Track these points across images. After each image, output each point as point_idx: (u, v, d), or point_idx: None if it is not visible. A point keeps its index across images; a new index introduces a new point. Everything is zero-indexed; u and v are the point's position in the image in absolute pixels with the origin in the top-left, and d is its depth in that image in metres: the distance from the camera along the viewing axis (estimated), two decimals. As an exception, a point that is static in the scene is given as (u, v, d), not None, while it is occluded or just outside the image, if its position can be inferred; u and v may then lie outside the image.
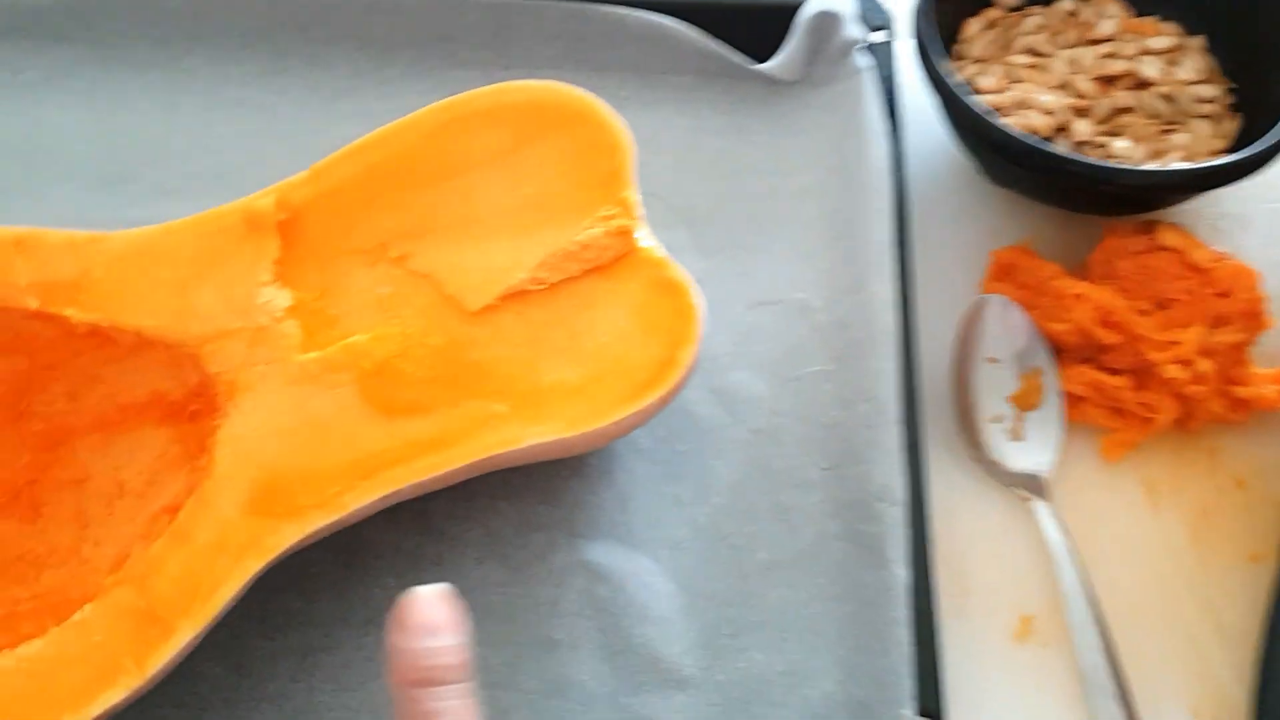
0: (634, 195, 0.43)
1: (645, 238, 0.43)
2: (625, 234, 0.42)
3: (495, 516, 0.45)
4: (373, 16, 0.55)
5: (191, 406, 0.40)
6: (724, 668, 0.42)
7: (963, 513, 0.46)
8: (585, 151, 0.43)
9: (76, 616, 0.36)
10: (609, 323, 0.41)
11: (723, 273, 0.50)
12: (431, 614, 0.29)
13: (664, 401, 0.41)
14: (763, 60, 0.54)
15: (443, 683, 0.28)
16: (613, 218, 0.42)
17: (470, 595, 0.43)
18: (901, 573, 0.42)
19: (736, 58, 0.54)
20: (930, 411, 0.48)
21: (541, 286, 0.41)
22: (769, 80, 0.55)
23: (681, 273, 0.42)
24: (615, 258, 0.42)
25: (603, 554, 0.44)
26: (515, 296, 0.41)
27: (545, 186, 0.42)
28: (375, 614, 0.43)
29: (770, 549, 0.44)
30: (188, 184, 0.52)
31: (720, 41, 0.54)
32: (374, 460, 0.39)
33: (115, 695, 0.35)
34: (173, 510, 0.39)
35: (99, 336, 0.40)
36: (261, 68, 0.55)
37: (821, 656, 0.42)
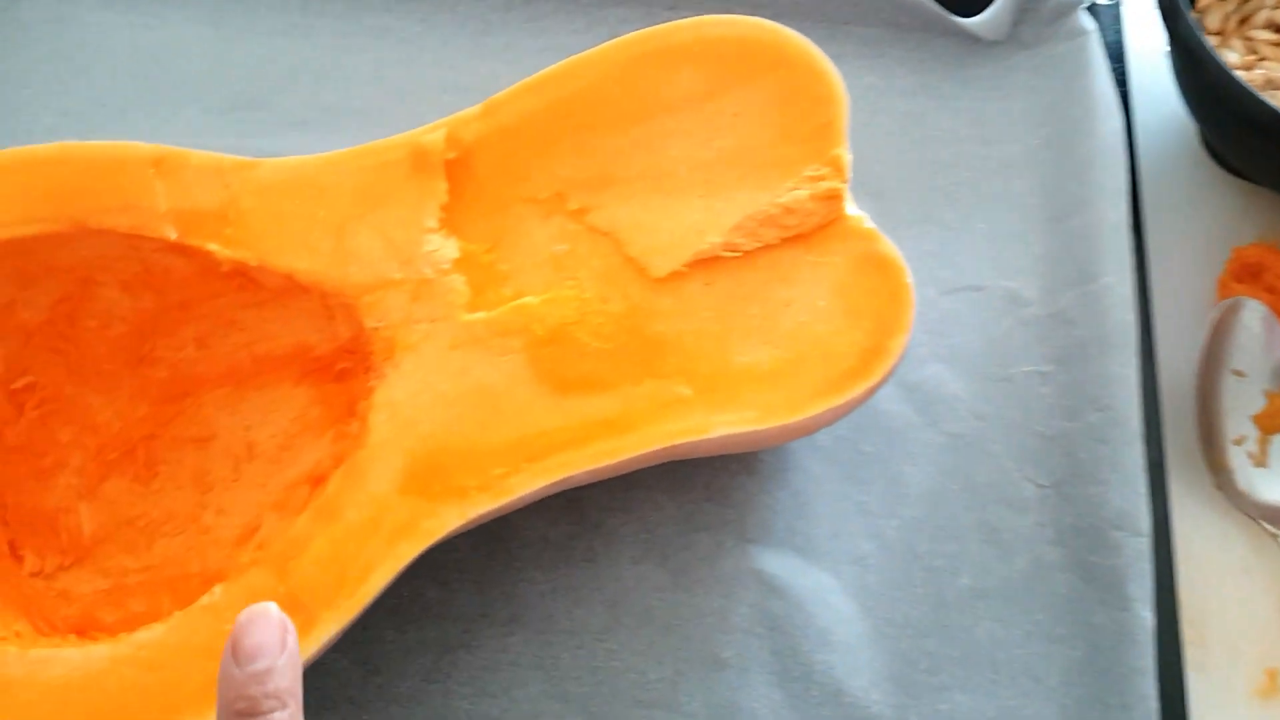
0: (846, 154, 0.37)
1: (852, 205, 0.37)
2: (834, 198, 0.37)
3: (655, 511, 0.40)
4: (529, -56, 0.49)
5: (340, 364, 0.35)
6: (920, 709, 0.37)
7: (1201, 547, 0.40)
8: (793, 100, 0.37)
9: (204, 600, 0.31)
10: (810, 300, 0.36)
11: (912, 252, 0.43)
12: (257, 636, 0.27)
13: (868, 395, 0.36)
14: (961, 15, 0.48)
15: (266, 713, 0.26)
16: (821, 179, 0.37)
17: (626, 598, 0.39)
18: (1147, 615, 0.36)
19: (936, 10, 0.48)
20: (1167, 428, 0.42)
21: (735, 254, 0.36)
22: (968, 38, 0.48)
23: (893, 248, 0.37)
24: (819, 225, 0.37)
25: (777, 564, 0.39)
26: (706, 263, 0.36)
27: (745, 138, 0.37)
28: (520, 611, 0.38)
29: (975, 575, 0.38)
30: (320, 116, 0.47)
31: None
32: (544, 441, 0.34)
33: (246, 694, 0.30)
34: (314, 480, 0.34)
35: (243, 277, 0.35)
36: (405, -7, 0.49)
37: (1041, 704, 0.36)
